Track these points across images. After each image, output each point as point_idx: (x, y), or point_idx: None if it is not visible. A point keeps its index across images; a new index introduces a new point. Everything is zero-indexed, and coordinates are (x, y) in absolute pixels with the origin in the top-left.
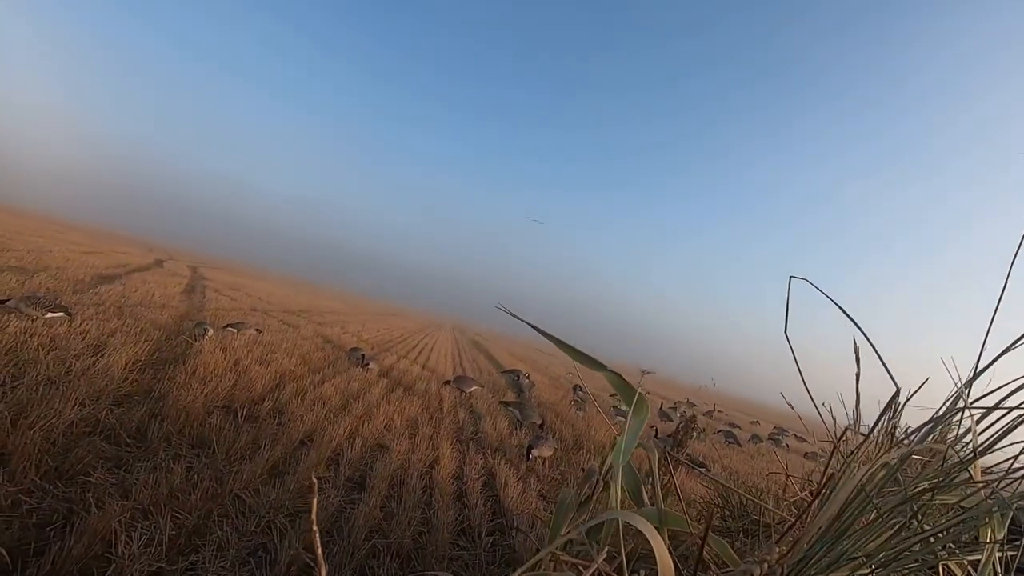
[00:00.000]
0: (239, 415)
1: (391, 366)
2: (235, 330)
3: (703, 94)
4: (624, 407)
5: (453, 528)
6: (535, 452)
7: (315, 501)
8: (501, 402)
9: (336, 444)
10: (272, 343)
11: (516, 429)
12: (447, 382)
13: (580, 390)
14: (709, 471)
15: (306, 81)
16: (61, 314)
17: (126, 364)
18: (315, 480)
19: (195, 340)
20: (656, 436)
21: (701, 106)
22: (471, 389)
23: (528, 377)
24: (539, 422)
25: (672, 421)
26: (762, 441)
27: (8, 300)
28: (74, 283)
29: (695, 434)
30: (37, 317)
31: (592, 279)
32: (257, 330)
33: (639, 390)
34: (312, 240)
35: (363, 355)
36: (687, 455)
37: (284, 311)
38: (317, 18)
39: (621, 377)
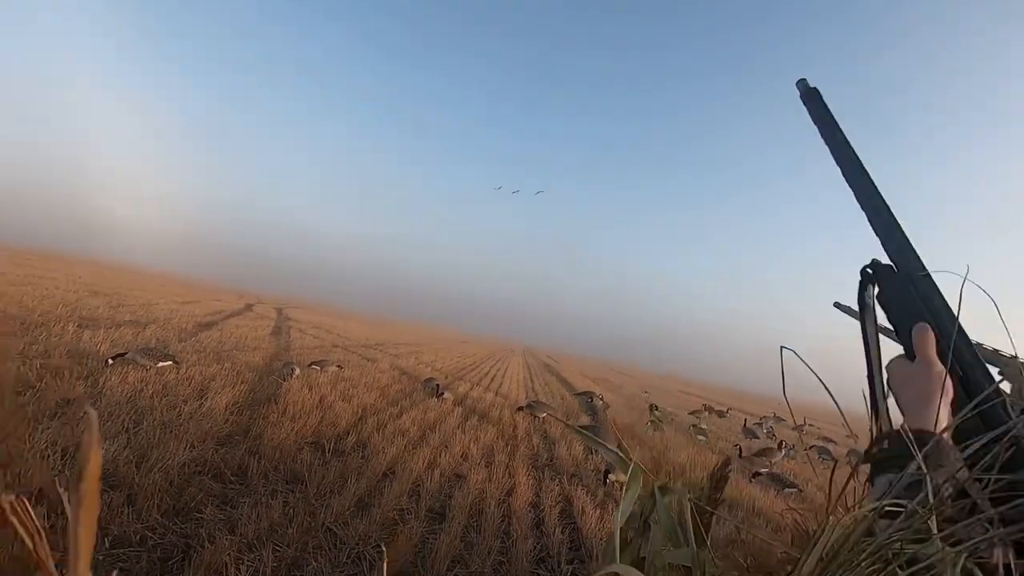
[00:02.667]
0: (326, 450)
1: (465, 394)
2: (319, 368)
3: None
4: (703, 426)
5: (532, 557)
6: (612, 477)
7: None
8: (574, 426)
9: (416, 475)
10: (353, 378)
11: (592, 453)
12: (520, 408)
13: (657, 410)
14: (801, 490)
15: (374, 127)
16: (170, 362)
17: (226, 406)
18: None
19: (284, 379)
20: (740, 455)
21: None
22: (544, 414)
23: (602, 399)
24: (615, 444)
25: (758, 438)
26: (858, 458)
27: (126, 353)
28: (179, 332)
29: (784, 452)
30: (151, 367)
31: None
32: (339, 366)
33: (633, 463)
34: (386, 276)
35: (438, 385)
36: (769, 473)
37: (362, 346)
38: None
39: (619, 454)
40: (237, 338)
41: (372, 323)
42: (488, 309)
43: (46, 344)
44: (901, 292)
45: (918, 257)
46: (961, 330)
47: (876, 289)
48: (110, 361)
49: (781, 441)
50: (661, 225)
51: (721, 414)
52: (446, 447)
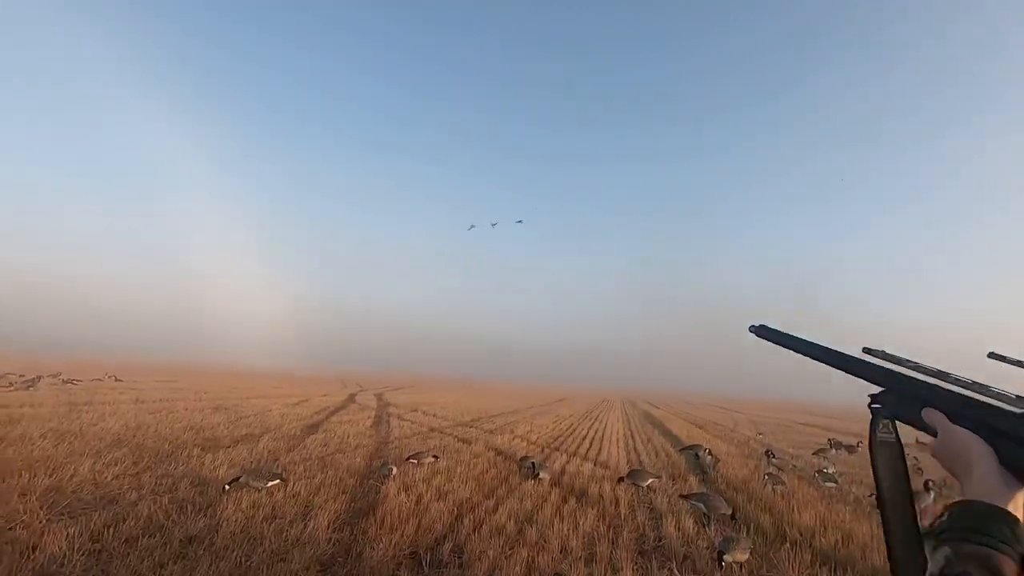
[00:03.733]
0: (424, 562)
1: (562, 469)
2: (416, 461)
3: None
4: (831, 470)
5: None
6: (727, 558)
7: None
8: (682, 496)
9: None
10: (449, 469)
11: (704, 525)
12: (621, 479)
13: (773, 456)
14: None
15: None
16: (278, 481)
17: (329, 524)
18: None
19: (382, 482)
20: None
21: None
22: (648, 483)
23: (710, 452)
24: (729, 512)
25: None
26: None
27: (240, 476)
28: (288, 440)
29: (933, 493)
30: (261, 488)
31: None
32: (435, 457)
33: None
34: (474, 339)
35: (533, 464)
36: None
37: (457, 424)
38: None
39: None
40: (340, 438)
41: (466, 391)
42: (583, 359)
43: (174, 475)
44: (904, 407)
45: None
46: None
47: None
48: (226, 488)
49: (927, 481)
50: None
51: (851, 449)
52: (544, 543)
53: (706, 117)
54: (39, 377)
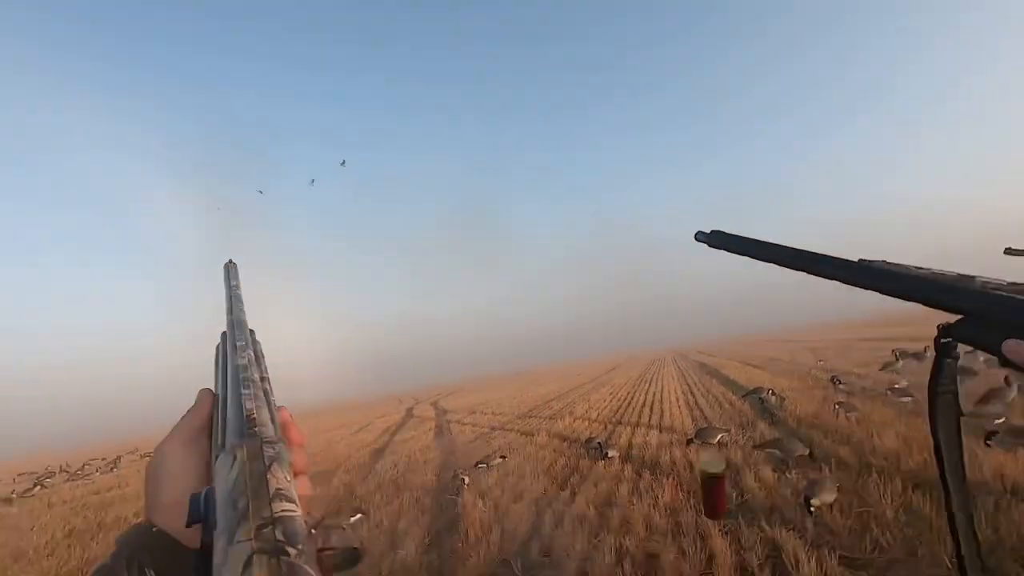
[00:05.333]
0: (515, 567)
1: (628, 443)
2: (485, 465)
3: None
4: (903, 383)
5: None
6: (815, 502)
7: None
8: (756, 446)
9: (610, 573)
10: (518, 468)
11: (783, 471)
12: (690, 441)
13: (840, 382)
14: None
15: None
16: (359, 516)
17: (416, 548)
18: None
19: (457, 494)
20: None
21: None
22: (717, 439)
23: (773, 392)
24: (806, 452)
25: (975, 374)
26: None
27: (323, 520)
28: (359, 470)
29: (1015, 386)
30: (345, 526)
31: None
32: (502, 457)
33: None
34: (514, 330)
35: (599, 444)
36: (1008, 426)
37: (516, 418)
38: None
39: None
40: (407, 456)
41: (519, 384)
42: (625, 324)
43: None
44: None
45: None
46: None
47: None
48: (312, 532)
49: (1006, 376)
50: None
51: (919, 356)
52: (628, 525)
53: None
54: (119, 457)
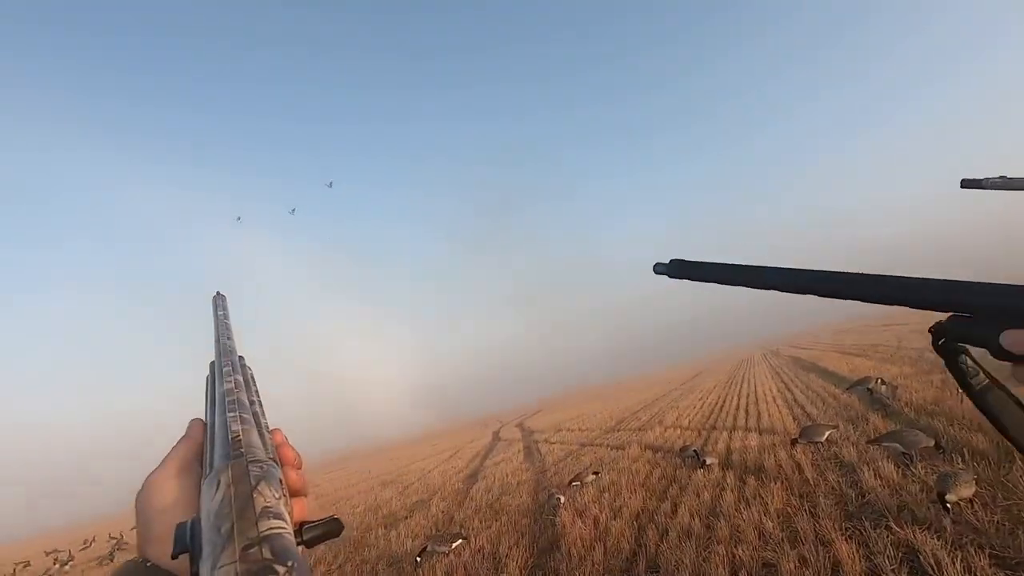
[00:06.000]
0: None
1: (727, 448)
2: (579, 483)
3: None
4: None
5: None
6: (951, 497)
7: None
8: (871, 441)
9: None
10: (613, 483)
11: (907, 466)
12: (794, 441)
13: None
14: None
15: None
16: (460, 540)
17: (520, 571)
18: None
19: (554, 514)
20: None
21: None
22: (825, 436)
23: (883, 381)
24: (931, 443)
25: None
26: None
27: (426, 546)
28: (455, 496)
29: None
30: (447, 552)
31: None
32: (595, 473)
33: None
34: (591, 344)
35: (695, 452)
36: None
37: (605, 432)
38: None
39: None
40: (500, 479)
41: (601, 396)
42: (703, 326)
43: (370, 559)
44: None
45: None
46: None
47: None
48: (418, 560)
49: None
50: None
51: None
52: (738, 534)
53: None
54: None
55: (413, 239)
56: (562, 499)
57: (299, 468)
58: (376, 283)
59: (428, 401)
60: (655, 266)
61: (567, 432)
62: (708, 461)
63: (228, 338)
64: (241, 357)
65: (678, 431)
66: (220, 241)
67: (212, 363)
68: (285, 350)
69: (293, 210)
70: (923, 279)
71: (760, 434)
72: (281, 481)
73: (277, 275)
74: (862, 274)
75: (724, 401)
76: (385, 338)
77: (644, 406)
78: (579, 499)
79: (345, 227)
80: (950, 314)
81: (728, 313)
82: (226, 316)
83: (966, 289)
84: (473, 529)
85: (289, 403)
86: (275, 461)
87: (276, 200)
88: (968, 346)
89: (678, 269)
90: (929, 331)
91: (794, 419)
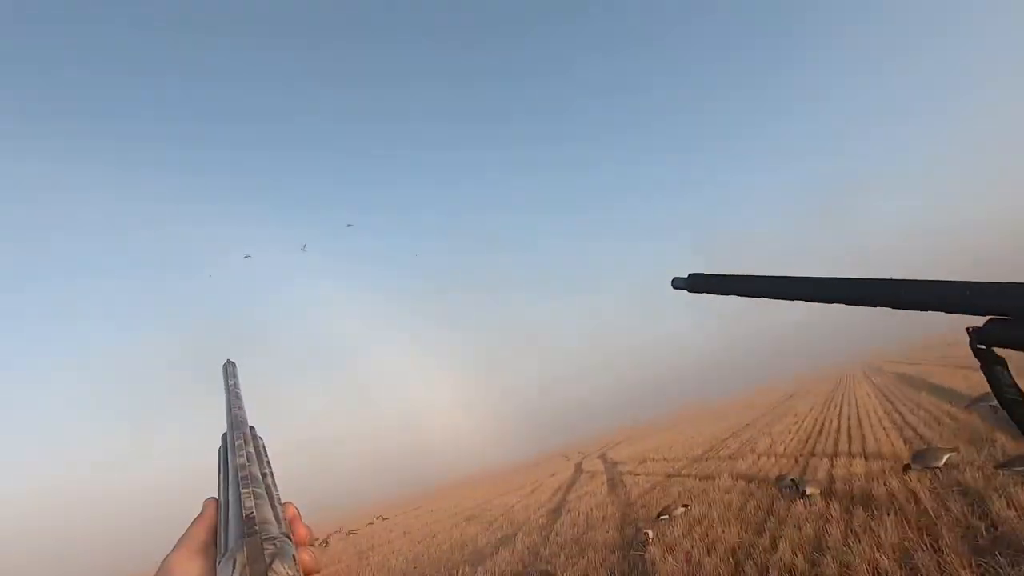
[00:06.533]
0: None
1: (829, 476)
2: (667, 517)
3: None
4: None
5: None
6: None
7: None
8: (999, 466)
9: None
10: (704, 515)
11: None
12: (907, 467)
13: None
14: None
15: None
16: None
17: None
18: None
19: (643, 550)
20: None
21: None
22: (943, 461)
23: None
24: None
25: None
26: None
27: None
28: (540, 531)
29: None
30: None
31: None
32: (684, 506)
33: None
34: (668, 368)
35: (793, 481)
36: None
37: (691, 461)
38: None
39: None
40: (584, 513)
41: (689, 421)
42: (793, 345)
43: None
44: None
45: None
46: None
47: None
48: None
49: None
50: None
51: None
52: (848, 571)
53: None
54: (329, 536)
55: (488, 264)
56: (650, 534)
57: (310, 545)
58: (447, 312)
59: (506, 434)
60: (673, 281)
61: (652, 462)
62: (808, 491)
63: (239, 408)
64: (252, 428)
65: (772, 459)
66: (275, 270)
67: (224, 435)
68: (358, 381)
69: (350, 225)
70: (962, 282)
71: (866, 460)
72: (294, 557)
73: (339, 305)
74: (894, 280)
75: (822, 425)
76: (457, 370)
77: (732, 433)
78: (669, 533)
79: (412, 253)
80: (989, 317)
81: (816, 329)
82: (236, 385)
83: (1004, 291)
84: (560, 565)
85: (362, 438)
86: (288, 536)
87: (334, 222)
88: (1007, 360)
89: (697, 283)
90: (967, 331)
91: (905, 442)
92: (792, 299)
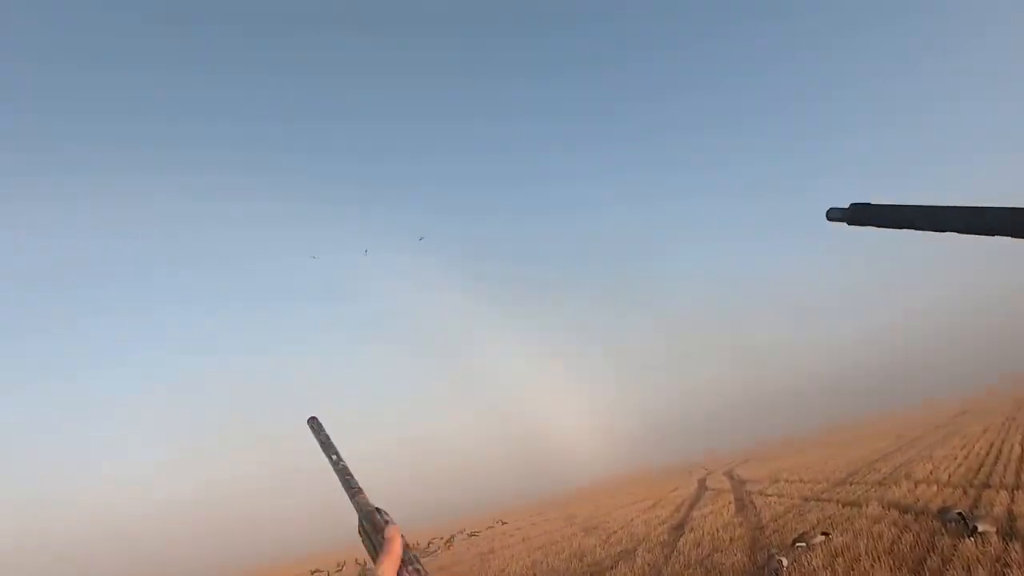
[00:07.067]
0: None
1: (1008, 512)
2: (804, 545)
3: None
4: None
5: None
6: None
7: None
8: None
9: None
10: (848, 546)
11: None
12: None
13: None
14: None
15: None
16: None
17: None
18: None
19: None
20: None
21: None
22: None
23: None
24: None
25: None
26: None
27: None
28: (661, 548)
29: None
30: None
31: None
32: (824, 533)
33: None
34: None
35: (961, 515)
36: None
37: (834, 485)
38: None
39: None
40: (709, 533)
41: (829, 441)
42: (972, 352)
43: None
44: None
45: None
46: None
47: None
48: None
49: None
50: None
51: None
52: None
53: None
54: (452, 536)
55: (602, 268)
56: (785, 562)
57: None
58: (563, 318)
59: (624, 445)
60: (829, 212)
61: (786, 483)
62: (981, 528)
63: (340, 458)
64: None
65: (934, 487)
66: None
67: (360, 510)
68: (471, 386)
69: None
70: None
71: None
72: None
73: (454, 309)
74: None
75: (999, 450)
76: (576, 377)
77: (883, 456)
78: (805, 563)
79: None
80: None
81: (998, 336)
82: (328, 436)
83: None
84: None
85: (477, 444)
86: None
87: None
88: None
89: (859, 214)
90: None
91: None
92: (958, 231)
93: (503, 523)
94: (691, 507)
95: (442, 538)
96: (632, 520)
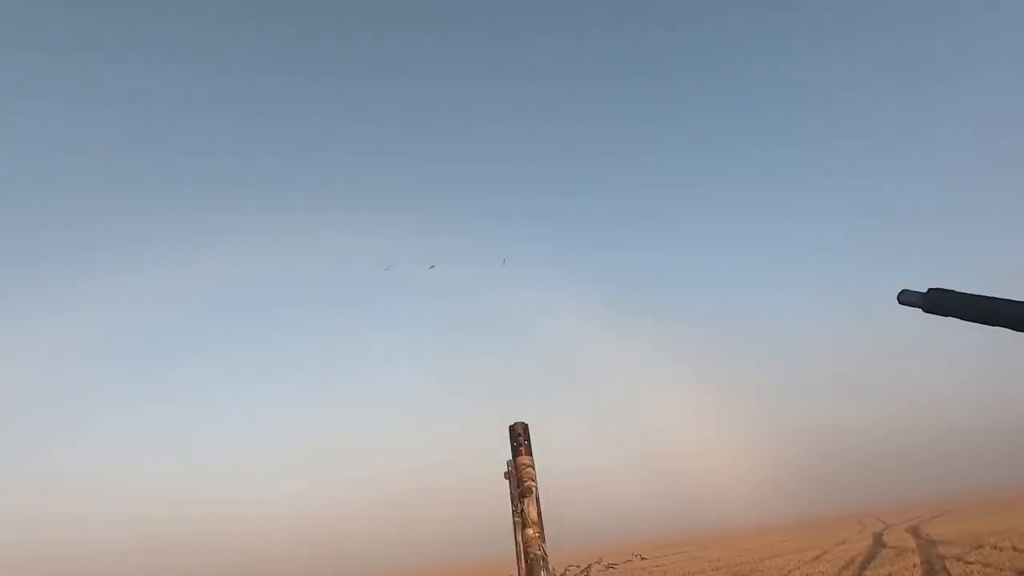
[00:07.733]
0: None
1: None
2: None
3: None
4: None
5: None
6: None
7: None
8: None
9: None
10: None
11: None
12: None
13: None
14: None
15: None
16: None
17: None
18: None
19: None
20: None
21: None
22: None
23: None
24: None
25: None
26: None
27: None
28: None
29: None
30: None
31: None
32: None
33: None
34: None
35: None
36: None
37: None
38: None
39: None
40: None
41: None
42: None
43: None
44: None
45: None
46: None
47: None
48: None
49: None
50: None
51: None
52: None
53: None
54: (589, 565)
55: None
56: None
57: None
58: (709, 347)
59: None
60: (901, 294)
61: (993, 550)
62: None
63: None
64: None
65: None
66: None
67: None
68: (613, 407)
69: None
70: None
71: None
72: None
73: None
74: None
75: None
76: (722, 415)
77: None
78: None
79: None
80: None
81: None
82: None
83: None
84: None
85: (621, 469)
86: None
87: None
88: None
89: (937, 301)
90: None
91: None
92: None
93: (642, 558)
94: (864, 566)
95: (579, 566)
96: (790, 572)
